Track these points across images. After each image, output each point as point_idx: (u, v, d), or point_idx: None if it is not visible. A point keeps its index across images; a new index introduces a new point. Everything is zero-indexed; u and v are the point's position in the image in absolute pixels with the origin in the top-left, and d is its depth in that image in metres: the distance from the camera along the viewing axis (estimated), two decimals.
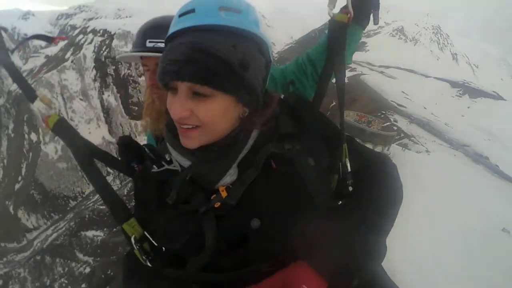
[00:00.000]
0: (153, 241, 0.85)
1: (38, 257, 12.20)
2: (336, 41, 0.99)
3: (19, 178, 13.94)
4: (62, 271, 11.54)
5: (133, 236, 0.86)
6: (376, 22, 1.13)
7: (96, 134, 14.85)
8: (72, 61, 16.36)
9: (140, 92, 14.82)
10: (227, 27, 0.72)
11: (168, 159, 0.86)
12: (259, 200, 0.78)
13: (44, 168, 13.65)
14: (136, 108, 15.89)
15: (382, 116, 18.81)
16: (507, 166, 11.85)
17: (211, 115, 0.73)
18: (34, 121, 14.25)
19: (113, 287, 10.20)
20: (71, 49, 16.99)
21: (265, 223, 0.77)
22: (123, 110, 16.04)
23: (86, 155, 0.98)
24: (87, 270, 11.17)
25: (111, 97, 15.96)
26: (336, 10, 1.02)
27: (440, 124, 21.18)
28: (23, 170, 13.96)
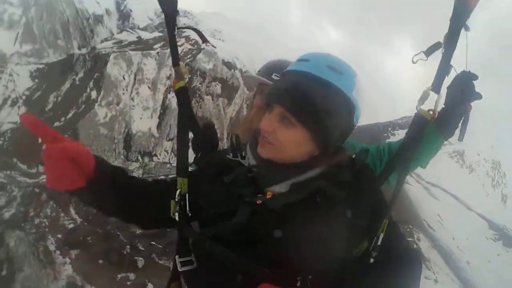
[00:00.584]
0: (187, 205, 0.96)
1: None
2: (413, 134, 1.05)
3: (62, 119, 14.76)
4: (49, 213, 11.87)
5: (180, 190, 0.97)
6: (460, 139, 1.14)
7: (145, 122, 15.66)
8: (157, 53, 17.68)
9: (200, 108, 15.55)
10: (327, 81, 0.89)
11: (244, 155, 1.02)
12: (291, 218, 0.86)
13: (87, 124, 14.46)
14: None
15: (408, 230, 18.24)
16: None
17: (287, 139, 0.89)
18: (102, 82, 15.29)
19: (85, 253, 10.37)
20: (162, 43, 18.42)
21: (285, 238, 0.84)
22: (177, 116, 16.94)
23: (186, 121, 1.12)
24: (71, 225, 11.28)
25: (174, 100, 17.02)
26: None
27: (462, 261, 19.95)
28: (69, 115, 14.82)
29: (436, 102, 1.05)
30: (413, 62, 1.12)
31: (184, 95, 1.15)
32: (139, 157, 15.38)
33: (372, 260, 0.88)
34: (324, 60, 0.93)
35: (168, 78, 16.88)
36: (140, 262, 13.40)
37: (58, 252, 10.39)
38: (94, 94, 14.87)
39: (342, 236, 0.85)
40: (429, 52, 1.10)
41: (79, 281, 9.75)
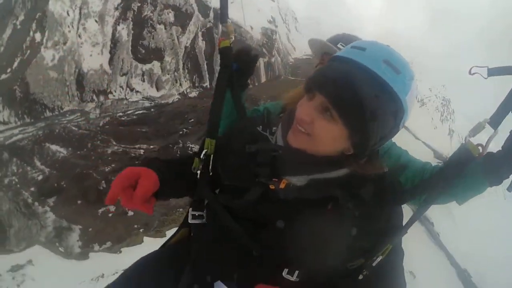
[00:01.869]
0: (210, 165, 0.99)
1: None
2: (453, 167, 0.93)
3: (8, 70, 13.76)
4: (15, 170, 11.67)
5: (206, 150, 0.99)
6: (510, 189, 0.93)
7: (96, 59, 14.78)
8: None
9: (153, 39, 14.85)
10: (381, 79, 0.78)
11: (274, 131, 0.96)
12: (297, 214, 0.85)
13: (35, 70, 13.56)
14: (144, 51, 15.95)
15: None
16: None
17: (324, 133, 0.80)
18: (45, 22, 14.11)
19: (62, 198, 10.46)
20: None
21: (286, 231, 0.85)
22: (130, 48, 16.10)
23: (225, 79, 1.11)
24: (40, 177, 11.33)
25: (124, 31, 15.96)
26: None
27: None
28: (15, 64, 13.81)
29: (489, 139, 0.90)
30: (470, 74, 1.01)
31: (228, 55, 1.12)
32: (94, 97, 14.79)
33: (361, 277, 0.87)
34: (382, 53, 0.82)
35: (116, 8, 15.69)
36: None
37: (36, 203, 10.34)
38: (38, 36, 13.71)
39: (339, 249, 0.83)
40: (494, 72, 0.97)
41: (65, 224, 9.91)
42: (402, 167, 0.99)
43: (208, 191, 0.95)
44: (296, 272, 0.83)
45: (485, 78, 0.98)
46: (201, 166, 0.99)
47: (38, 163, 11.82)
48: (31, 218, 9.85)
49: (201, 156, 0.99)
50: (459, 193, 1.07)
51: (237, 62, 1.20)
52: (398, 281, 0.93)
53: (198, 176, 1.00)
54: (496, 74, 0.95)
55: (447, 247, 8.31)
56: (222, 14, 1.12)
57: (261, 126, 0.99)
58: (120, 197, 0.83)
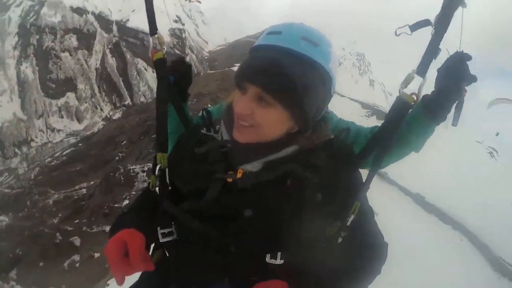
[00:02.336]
0: (167, 178, 0.97)
1: None
2: (394, 118, 0.99)
3: None
4: None
5: (160, 165, 0.98)
6: (454, 123, 1.04)
7: (7, 109, 13.65)
8: None
9: (60, 69, 14.01)
10: (303, 55, 0.83)
11: (218, 129, 1.00)
12: (261, 198, 0.85)
13: None
14: (54, 86, 14.93)
15: None
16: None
17: (266, 120, 0.84)
18: None
19: (23, 266, 9.81)
20: None
21: (256, 217, 0.84)
22: (39, 86, 14.98)
23: (165, 92, 1.10)
24: None
25: (29, 70, 14.79)
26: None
27: None
28: None
29: (420, 86, 0.99)
30: (396, 35, 1.07)
31: (163, 67, 1.12)
32: (16, 150, 13.61)
33: (340, 239, 0.89)
34: (298, 32, 0.87)
35: (15, 47, 14.33)
36: (76, 240, 12.70)
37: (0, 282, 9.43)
38: None
39: (312, 218, 0.84)
40: (415, 27, 1.04)
41: None
42: (346, 130, 1.04)
43: (170, 203, 0.93)
44: (279, 254, 0.83)
45: (410, 35, 1.05)
46: (158, 183, 0.99)
47: None
48: None
49: (156, 172, 1.00)
50: (412, 141, 1.13)
51: (173, 75, 1.22)
52: (374, 234, 0.97)
53: (158, 192, 0.99)
54: (417, 28, 1.04)
55: (397, 182, 9.30)
56: (150, 26, 1.12)
57: (204, 128, 1.03)
58: (119, 270, 0.81)
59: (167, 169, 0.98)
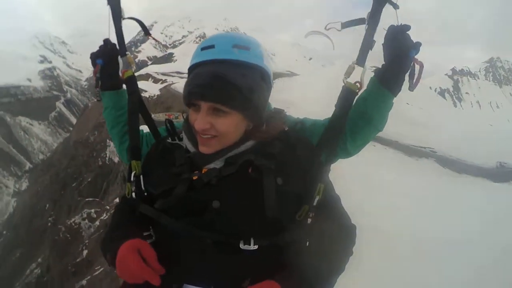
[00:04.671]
0: (142, 183, 1.04)
1: None
2: (342, 106, 1.07)
3: None
4: None
5: (134, 172, 1.05)
6: (411, 88, 1.06)
7: None
8: None
9: None
10: (239, 61, 0.92)
11: (181, 137, 1.08)
12: (226, 189, 0.92)
13: None
14: None
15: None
16: None
17: (226, 127, 0.92)
18: None
19: None
20: None
21: (223, 207, 0.90)
22: None
23: (136, 105, 1.18)
24: None
25: None
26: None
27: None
28: None
29: (362, 74, 1.07)
30: (326, 29, 1.13)
31: (133, 82, 1.22)
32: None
33: (309, 220, 0.94)
34: (229, 42, 0.94)
35: None
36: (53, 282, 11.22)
37: None
38: None
39: (275, 202, 0.89)
40: (348, 25, 1.12)
41: None
42: (300, 122, 1.11)
43: (146, 205, 0.98)
44: (252, 240, 0.86)
45: (339, 31, 1.10)
46: (134, 188, 1.05)
47: None
48: None
49: (131, 179, 1.05)
50: (374, 117, 1.14)
51: (101, 58, 1.27)
52: (342, 216, 1.04)
53: (134, 197, 1.04)
54: (348, 26, 1.10)
55: None
56: (120, 49, 1.24)
57: (169, 138, 1.10)
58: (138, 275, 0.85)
59: (141, 176, 1.05)
